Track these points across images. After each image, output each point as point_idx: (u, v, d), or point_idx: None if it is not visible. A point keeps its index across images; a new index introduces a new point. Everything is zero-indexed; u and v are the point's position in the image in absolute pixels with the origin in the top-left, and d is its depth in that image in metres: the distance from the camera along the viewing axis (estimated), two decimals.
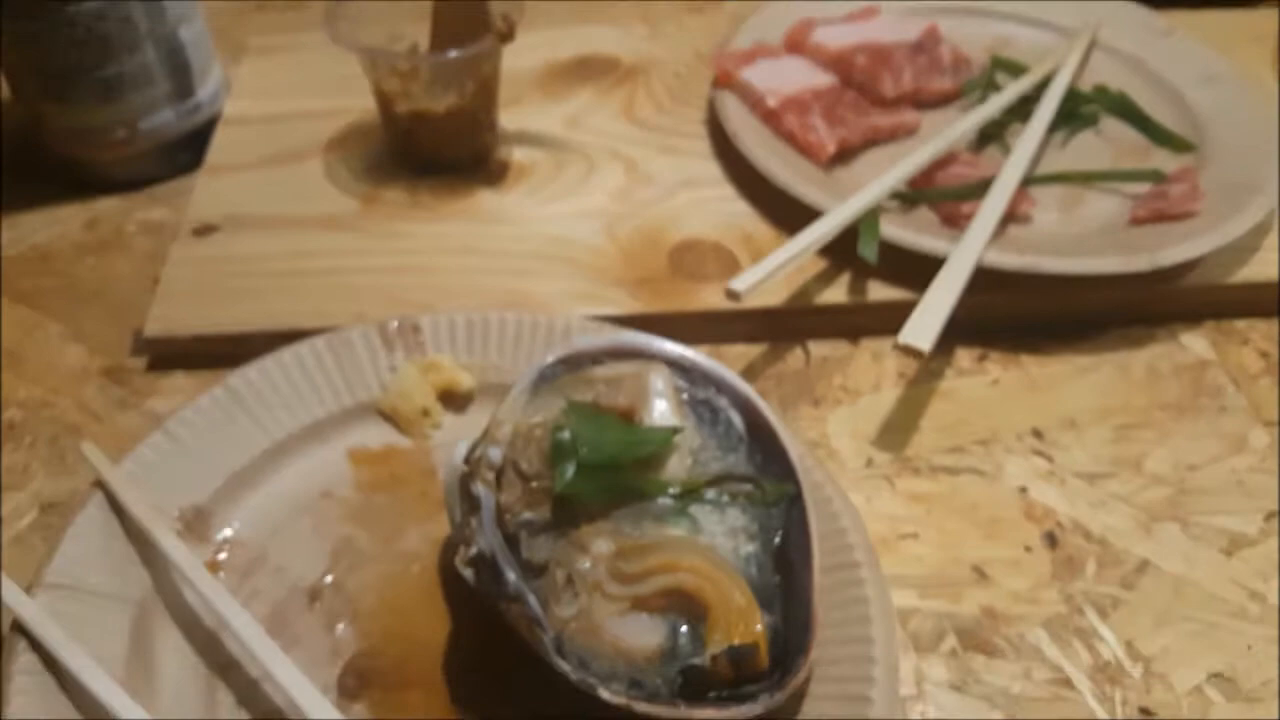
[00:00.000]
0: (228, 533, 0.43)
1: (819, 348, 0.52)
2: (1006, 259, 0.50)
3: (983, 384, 0.51)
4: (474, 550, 0.37)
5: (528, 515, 0.39)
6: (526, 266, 0.54)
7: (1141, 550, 0.44)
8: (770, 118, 0.59)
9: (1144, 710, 0.39)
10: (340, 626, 0.40)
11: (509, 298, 0.52)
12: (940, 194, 0.55)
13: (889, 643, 0.38)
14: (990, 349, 0.52)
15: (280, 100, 0.64)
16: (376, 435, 0.46)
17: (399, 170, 0.59)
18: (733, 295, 0.46)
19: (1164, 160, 0.59)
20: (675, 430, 0.41)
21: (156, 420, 0.48)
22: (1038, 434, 0.48)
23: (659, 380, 0.43)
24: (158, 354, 0.50)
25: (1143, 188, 0.57)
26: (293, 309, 0.51)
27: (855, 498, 0.45)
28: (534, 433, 0.40)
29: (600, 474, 0.39)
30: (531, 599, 0.36)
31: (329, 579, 0.42)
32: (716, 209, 0.57)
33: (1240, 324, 0.53)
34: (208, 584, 0.38)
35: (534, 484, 0.39)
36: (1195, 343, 0.53)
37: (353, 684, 0.39)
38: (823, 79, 0.62)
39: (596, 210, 0.57)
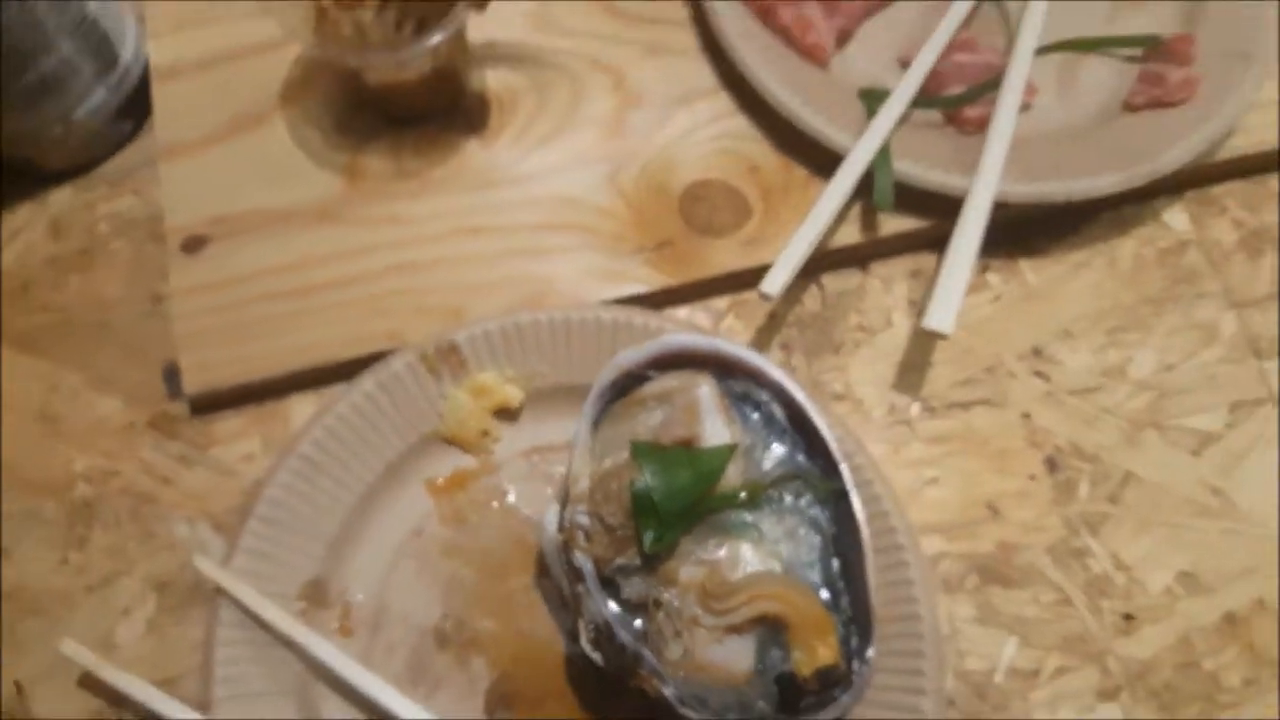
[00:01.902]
0: (347, 595, 0.47)
1: (832, 281, 0.54)
2: (1019, 189, 0.51)
3: (985, 301, 0.54)
4: (590, 625, 0.43)
5: (620, 561, 0.44)
6: (542, 244, 0.53)
7: (1126, 462, 0.51)
8: (765, 13, 0.55)
9: (1126, 615, 0.49)
10: (473, 660, 0.47)
11: (533, 288, 0.52)
12: (950, 101, 0.53)
13: (933, 615, 0.46)
14: (990, 258, 0.55)
15: (205, 29, 0.56)
16: (444, 461, 0.50)
17: (373, 125, 0.55)
18: (766, 298, 0.47)
19: (1160, 13, 0.57)
20: (732, 448, 0.45)
21: (227, 472, 0.50)
22: (1037, 352, 0.53)
23: (706, 393, 0.46)
24: (199, 399, 0.51)
25: (1137, 51, 0.56)
26: (325, 338, 0.50)
27: (882, 448, 0.51)
28: (610, 485, 0.44)
29: (679, 518, 0.44)
30: (648, 654, 0.43)
31: (449, 617, 0.48)
32: (718, 130, 0.55)
33: (1218, 190, 0.56)
34: (345, 666, 0.45)
35: (619, 533, 0.44)
36: (1176, 219, 0.56)
37: (499, 710, 0.46)
38: None
39: (593, 152, 0.55)
